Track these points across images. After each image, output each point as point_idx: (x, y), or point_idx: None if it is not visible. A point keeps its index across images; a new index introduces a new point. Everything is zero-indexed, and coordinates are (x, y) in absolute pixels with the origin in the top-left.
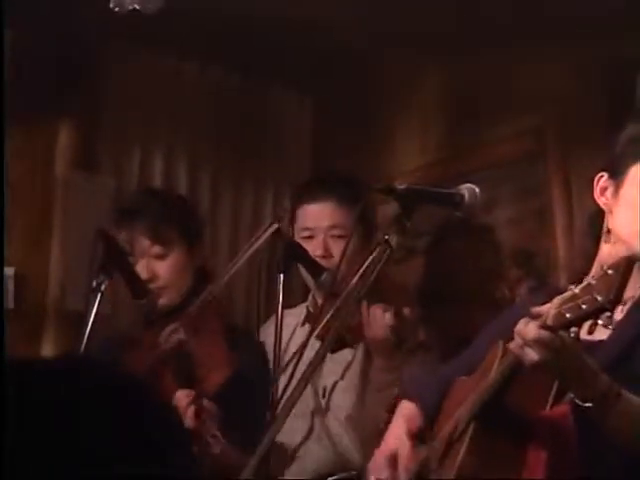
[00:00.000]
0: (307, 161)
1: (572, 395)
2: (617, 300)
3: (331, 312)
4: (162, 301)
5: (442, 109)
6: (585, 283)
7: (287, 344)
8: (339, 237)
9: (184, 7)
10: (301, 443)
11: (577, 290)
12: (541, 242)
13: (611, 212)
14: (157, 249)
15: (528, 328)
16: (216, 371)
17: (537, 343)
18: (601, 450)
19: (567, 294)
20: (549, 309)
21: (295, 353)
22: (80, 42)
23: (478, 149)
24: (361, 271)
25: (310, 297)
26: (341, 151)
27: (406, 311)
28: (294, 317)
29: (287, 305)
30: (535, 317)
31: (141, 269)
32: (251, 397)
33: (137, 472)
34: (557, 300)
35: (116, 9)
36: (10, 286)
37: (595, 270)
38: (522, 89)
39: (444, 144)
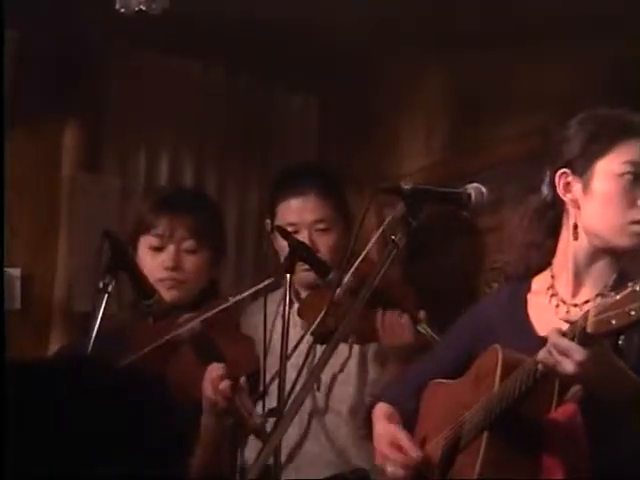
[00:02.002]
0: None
1: (580, 393)
2: None
3: (327, 310)
4: (175, 293)
5: (446, 109)
6: (628, 290)
7: (271, 330)
8: (323, 231)
9: (189, 8)
10: (298, 442)
11: (619, 297)
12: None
13: (579, 208)
14: (190, 243)
15: (563, 340)
16: (241, 363)
17: (581, 363)
18: (607, 446)
19: (607, 301)
20: (582, 318)
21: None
22: (85, 42)
23: (482, 149)
24: (356, 265)
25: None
26: (346, 151)
27: (422, 313)
28: (273, 302)
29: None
30: (570, 325)
31: (167, 256)
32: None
33: (137, 472)
34: (596, 307)
35: (122, 10)
36: (17, 287)
37: (557, 265)
38: (526, 89)
39: (448, 144)
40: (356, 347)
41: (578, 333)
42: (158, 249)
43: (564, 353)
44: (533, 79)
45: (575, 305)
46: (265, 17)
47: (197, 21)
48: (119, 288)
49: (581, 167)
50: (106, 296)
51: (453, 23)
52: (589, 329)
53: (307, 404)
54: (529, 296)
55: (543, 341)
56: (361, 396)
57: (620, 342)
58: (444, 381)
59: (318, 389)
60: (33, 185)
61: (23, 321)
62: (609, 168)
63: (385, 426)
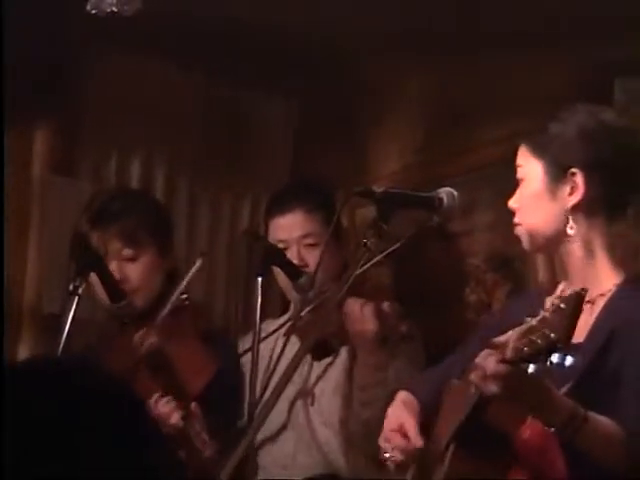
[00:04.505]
0: (288, 165)
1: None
2: (567, 338)
3: (306, 310)
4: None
5: (423, 114)
6: (541, 316)
7: (272, 354)
8: (312, 246)
9: (162, 9)
10: (290, 453)
11: (534, 322)
12: (519, 247)
13: None
14: (128, 252)
15: (488, 362)
16: (198, 375)
17: (497, 377)
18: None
19: (525, 326)
20: (508, 341)
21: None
22: (58, 44)
23: (457, 153)
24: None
25: (292, 307)
26: (323, 154)
27: (385, 305)
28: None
29: (270, 314)
30: (495, 348)
31: (112, 271)
32: (232, 400)
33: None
34: (516, 332)
35: (93, 11)
36: None
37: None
38: (504, 93)
39: (424, 148)
40: (343, 354)
41: (501, 359)
42: None
43: (486, 374)
44: (511, 83)
45: None
46: (242, 20)
47: (174, 23)
48: (90, 291)
49: None
50: (76, 298)
51: (431, 26)
52: (508, 354)
53: (300, 416)
54: (548, 299)
55: None
56: (349, 406)
57: (530, 370)
58: (457, 381)
59: (312, 404)
60: (4, 187)
61: None
62: None
63: (396, 410)
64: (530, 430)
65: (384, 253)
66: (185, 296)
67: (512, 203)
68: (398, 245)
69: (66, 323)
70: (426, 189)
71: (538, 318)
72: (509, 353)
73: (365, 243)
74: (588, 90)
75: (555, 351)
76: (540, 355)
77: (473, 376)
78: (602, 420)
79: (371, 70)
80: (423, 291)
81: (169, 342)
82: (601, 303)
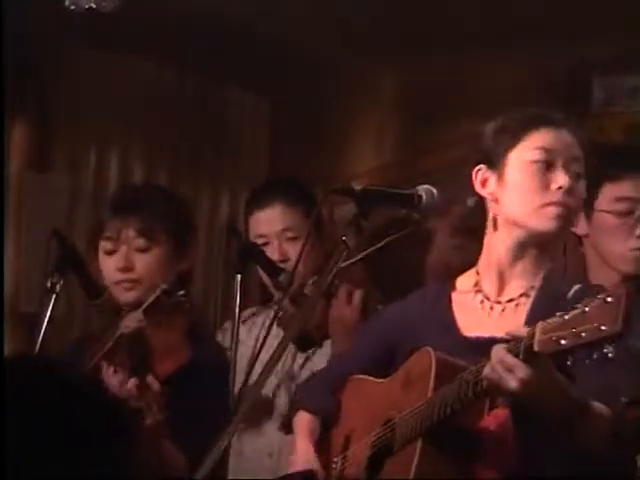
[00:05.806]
0: (264, 161)
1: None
2: (625, 331)
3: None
4: (133, 294)
5: (400, 110)
6: (578, 311)
7: (256, 344)
8: (293, 239)
9: (141, 7)
10: (276, 442)
11: (567, 317)
12: None
13: (497, 200)
14: (141, 242)
15: (508, 356)
16: (168, 359)
17: (525, 381)
18: (540, 449)
19: (554, 320)
20: (528, 335)
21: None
22: (35, 41)
23: (434, 150)
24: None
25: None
26: (297, 151)
27: (372, 294)
28: (267, 316)
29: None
30: (511, 340)
31: (119, 257)
32: (203, 392)
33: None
34: (542, 326)
35: (72, 7)
36: None
37: (483, 263)
38: (478, 91)
39: (400, 145)
40: (325, 346)
41: (523, 350)
42: (112, 252)
43: (509, 370)
44: (489, 81)
45: (499, 302)
46: (217, 17)
47: (149, 20)
48: (68, 288)
49: (495, 160)
50: (54, 296)
51: (405, 24)
52: (537, 347)
53: (284, 404)
54: (453, 295)
55: (468, 342)
56: None
57: (569, 362)
58: (368, 378)
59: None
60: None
61: None
62: (521, 156)
63: (304, 446)
64: (496, 421)
65: (365, 252)
66: (182, 292)
67: (569, 187)
68: (379, 245)
69: (43, 321)
70: (405, 186)
71: (574, 313)
72: (538, 346)
73: (344, 240)
74: (567, 89)
75: (609, 343)
76: (584, 348)
77: (490, 372)
78: (603, 408)
79: (345, 69)
80: (400, 284)
81: (155, 328)
82: (531, 296)
